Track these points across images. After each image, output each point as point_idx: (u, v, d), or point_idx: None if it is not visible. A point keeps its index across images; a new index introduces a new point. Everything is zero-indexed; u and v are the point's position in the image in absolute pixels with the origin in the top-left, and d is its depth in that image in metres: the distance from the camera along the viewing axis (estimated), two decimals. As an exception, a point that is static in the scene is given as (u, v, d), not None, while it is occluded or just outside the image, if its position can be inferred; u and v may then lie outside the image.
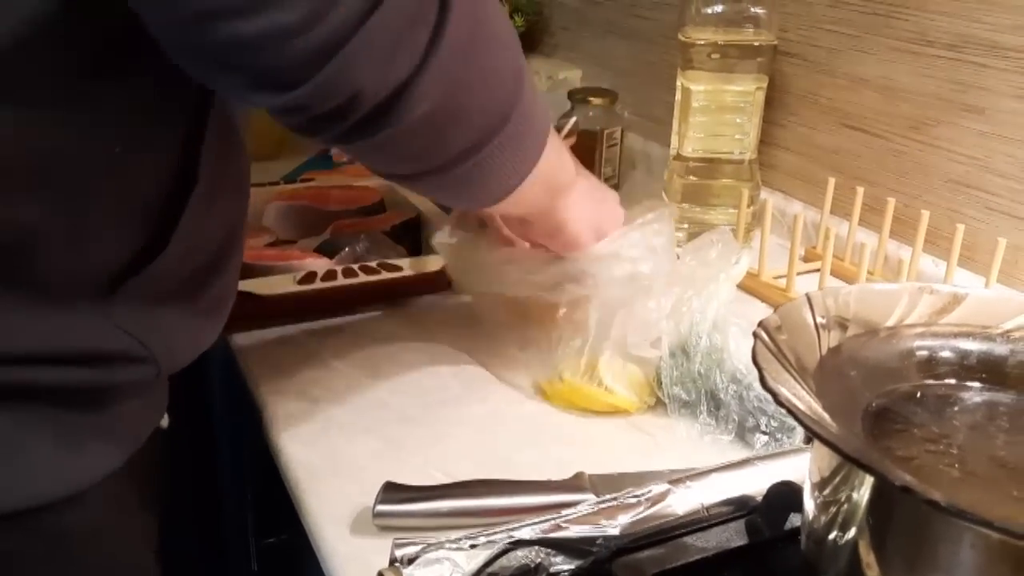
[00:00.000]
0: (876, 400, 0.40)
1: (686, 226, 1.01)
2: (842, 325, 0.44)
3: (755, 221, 1.00)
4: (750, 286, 0.88)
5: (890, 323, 0.44)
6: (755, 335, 0.40)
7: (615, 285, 0.67)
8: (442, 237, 0.74)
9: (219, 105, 0.50)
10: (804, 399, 0.36)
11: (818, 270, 0.89)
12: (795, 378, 0.38)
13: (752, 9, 0.93)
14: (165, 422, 0.60)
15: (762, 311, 0.86)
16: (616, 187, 1.20)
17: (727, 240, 0.69)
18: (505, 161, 0.52)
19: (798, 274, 0.88)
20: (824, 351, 0.41)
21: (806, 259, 0.96)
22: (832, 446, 0.34)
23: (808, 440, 0.40)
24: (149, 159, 0.48)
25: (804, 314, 0.43)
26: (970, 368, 0.43)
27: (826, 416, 0.35)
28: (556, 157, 0.59)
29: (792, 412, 0.34)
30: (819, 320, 0.43)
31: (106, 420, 0.51)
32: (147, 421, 0.56)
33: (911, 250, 0.84)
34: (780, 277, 0.90)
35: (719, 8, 0.93)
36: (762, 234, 0.88)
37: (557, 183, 0.62)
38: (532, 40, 1.50)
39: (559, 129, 1.00)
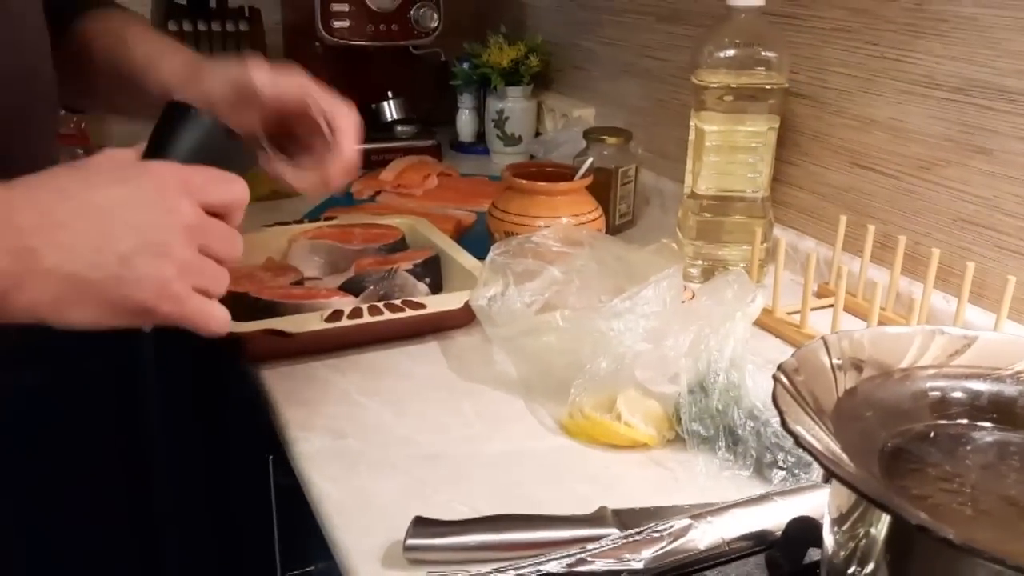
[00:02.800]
0: (891, 440, 0.42)
1: (700, 263, 1.03)
2: (857, 366, 0.46)
3: (768, 258, 1.02)
4: (764, 322, 0.90)
5: (904, 365, 0.46)
6: (775, 378, 0.42)
7: (633, 337, 0.70)
8: (479, 300, 0.77)
9: None
10: (823, 440, 0.38)
11: (831, 306, 0.91)
12: (813, 419, 0.39)
13: (763, 53, 0.96)
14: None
15: (776, 347, 0.88)
16: (631, 223, 1.22)
17: (743, 280, 0.72)
18: None
19: (812, 310, 0.89)
20: (840, 392, 0.43)
21: (819, 295, 0.98)
22: (850, 486, 0.36)
23: (827, 479, 0.42)
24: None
25: (821, 356, 0.45)
26: (981, 408, 0.45)
27: (844, 456, 0.37)
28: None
29: (812, 453, 0.36)
30: (835, 362, 0.45)
31: None
32: None
33: (922, 287, 0.85)
34: (794, 313, 0.91)
35: (731, 52, 0.96)
36: (775, 271, 0.90)
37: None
38: (546, 79, 1.54)
39: (576, 169, 1.03)
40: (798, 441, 0.36)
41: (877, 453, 0.41)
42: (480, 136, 1.57)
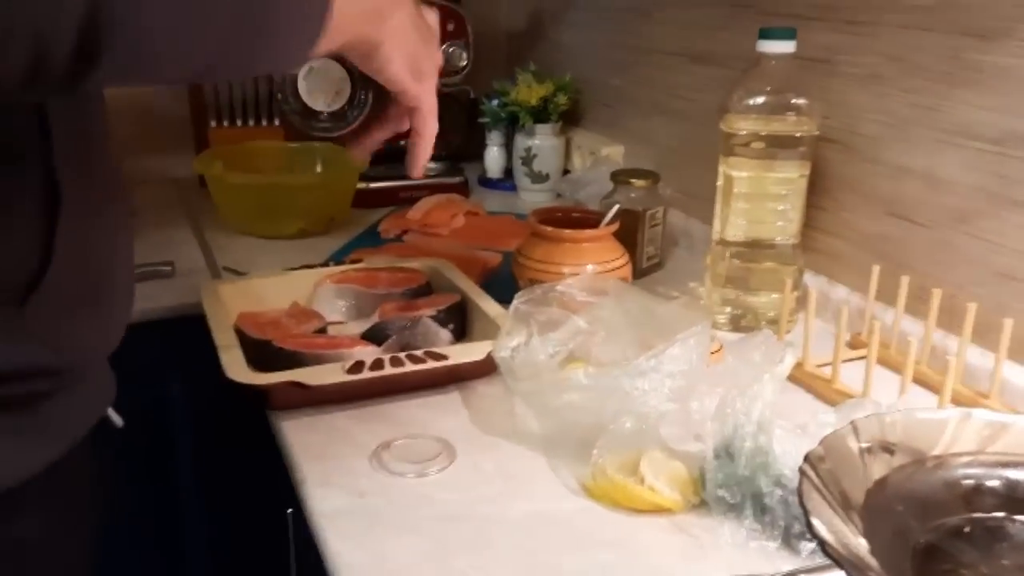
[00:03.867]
0: (925, 536, 0.40)
1: (728, 310, 1.01)
2: (888, 450, 0.44)
3: (798, 305, 1.00)
4: (794, 375, 0.88)
5: (937, 451, 0.44)
6: (801, 471, 0.40)
7: (658, 397, 0.68)
8: (502, 351, 0.76)
9: (63, 127, 0.53)
10: (850, 544, 0.36)
11: (863, 358, 0.89)
12: (842, 518, 0.38)
13: (794, 99, 0.94)
14: (119, 422, 0.69)
15: (806, 402, 0.86)
16: (659, 265, 1.21)
17: (771, 341, 0.70)
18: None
19: (843, 361, 0.87)
20: (870, 483, 0.41)
21: (852, 345, 0.95)
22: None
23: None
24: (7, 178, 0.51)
25: (849, 443, 0.43)
26: (1018, 500, 0.43)
27: (874, 563, 0.35)
28: None
29: (837, 562, 0.34)
30: (864, 446, 0.44)
31: (33, 420, 0.56)
32: (78, 419, 0.62)
33: (957, 340, 0.83)
34: (824, 365, 0.89)
35: (760, 99, 0.95)
36: (806, 324, 0.88)
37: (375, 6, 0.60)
38: (575, 116, 1.53)
39: (602, 214, 1.02)
40: (824, 548, 0.35)
41: (910, 551, 0.39)
42: (508, 172, 1.57)
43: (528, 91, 1.44)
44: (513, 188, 1.54)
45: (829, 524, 0.37)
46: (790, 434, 0.67)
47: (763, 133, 0.95)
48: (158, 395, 1.11)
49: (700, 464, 0.69)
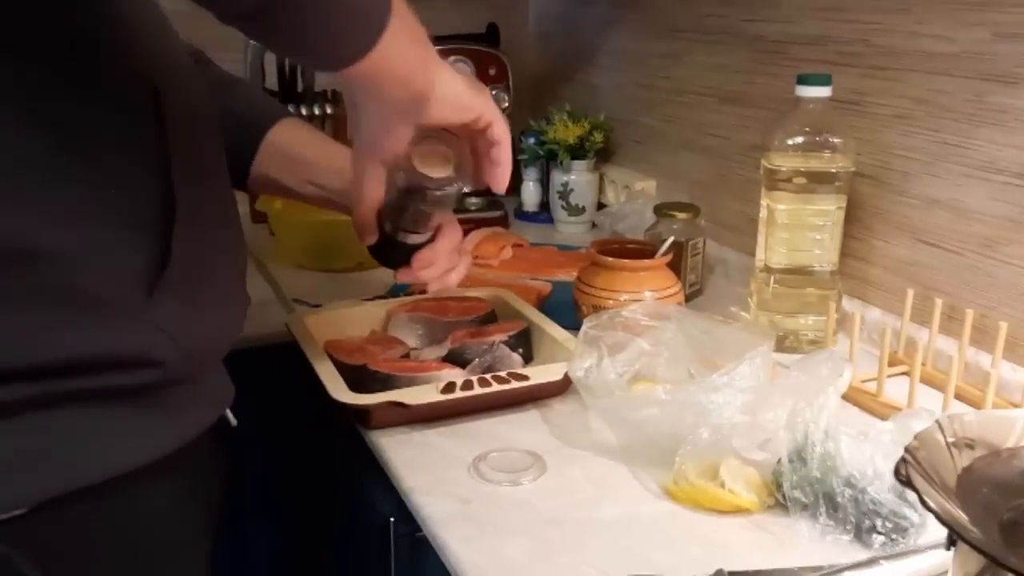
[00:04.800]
0: (1007, 514, 0.48)
1: (773, 333, 1.09)
2: (969, 445, 0.52)
3: (837, 326, 1.08)
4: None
5: (1009, 444, 0.52)
6: (903, 460, 0.48)
7: (731, 409, 0.76)
8: (577, 371, 0.84)
9: (178, 136, 0.62)
10: (955, 515, 0.44)
11: (903, 374, 0.97)
12: (942, 495, 0.46)
13: (830, 139, 1.03)
14: (233, 420, 0.75)
15: (856, 415, 0.94)
16: (699, 292, 1.29)
17: (835, 357, 0.78)
18: None
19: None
20: (959, 469, 0.49)
21: (889, 363, 1.04)
22: (983, 552, 0.42)
23: (950, 544, 0.48)
24: (131, 189, 0.59)
25: (937, 436, 0.51)
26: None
27: (975, 529, 0.43)
28: (415, 21, 0.64)
29: (951, 527, 0.42)
30: (949, 439, 0.52)
31: (159, 409, 0.63)
32: (201, 411, 0.68)
33: (991, 357, 0.91)
34: (867, 381, 0.97)
35: (799, 139, 1.04)
36: (851, 343, 0.97)
37: (426, 45, 0.65)
38: (607, 152, 1.62)
39: (656, 246, 1.10)
40: (939, 517, 0.42)
41: (997, 525, 0.47)
42: (543, 205, 1.66)
43: (565, 130, 1.53)
44: (549, 220, 1.63)
45: (935, 500, 0.45)
46: (854, 440, 0.75)
47: (803, 169, 1.04)
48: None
49: (772, 470, 0.77)
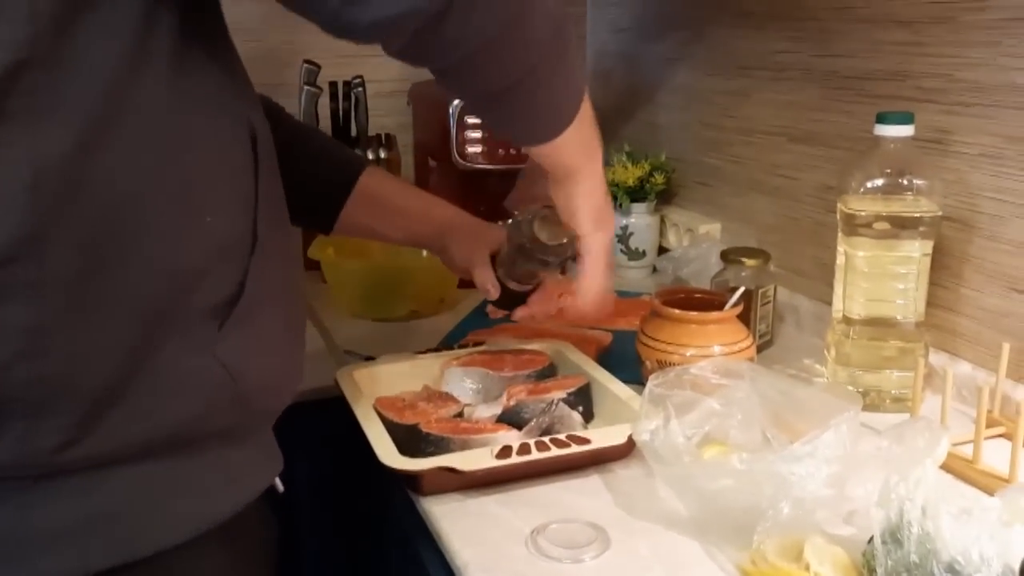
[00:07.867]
0: None
1: (851, 389, 1.02)
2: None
3: (924, 384, 1.00)
4: (932, 455, 0.88)
5: None
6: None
7: (815, 482, 0.69)
8: (642, 434, 0.78)
9: (265, 179, 0.65)
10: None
11: (999, 436, 0.89)
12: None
13: (914, 181, 0.96)
14: (280, 487, 0.74)
15: (950, 483, 0.86)
16: (769, 343, 1.22)
17: (932, 425, 0.71)
18: (559, 84, 0.68)
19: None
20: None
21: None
22: None
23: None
24: (226, 222, 0.62)
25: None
26: None
27: None
28: (590, 117, 0.76)
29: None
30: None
31: (215, 466, 0.63)
32: (255, 475, 0.68)
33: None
34: (960, 444, 0.89)
35: (880, 181, 0.97)
36: (943, 404, 0.89)
37: (591, 143, 0.78)
38: (668, 194, 1.56)
39: (723, 295, 1.04)
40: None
41: None
42: (602, 249, 1.60)
43: (625, 172, 1.48)
44: (608, 265, 1.57)
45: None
46: (956, 519, 0.67)
47: (884, 214, 0.97)
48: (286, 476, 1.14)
49: (862, 551, 0.69)
